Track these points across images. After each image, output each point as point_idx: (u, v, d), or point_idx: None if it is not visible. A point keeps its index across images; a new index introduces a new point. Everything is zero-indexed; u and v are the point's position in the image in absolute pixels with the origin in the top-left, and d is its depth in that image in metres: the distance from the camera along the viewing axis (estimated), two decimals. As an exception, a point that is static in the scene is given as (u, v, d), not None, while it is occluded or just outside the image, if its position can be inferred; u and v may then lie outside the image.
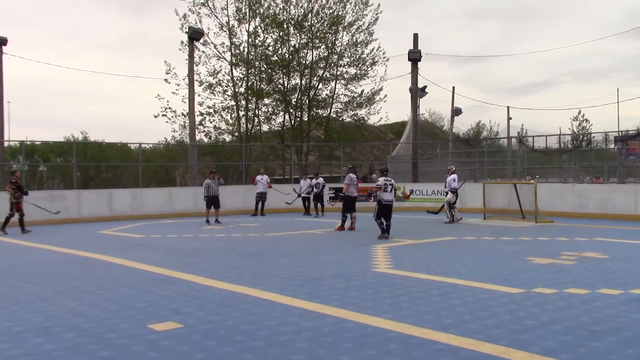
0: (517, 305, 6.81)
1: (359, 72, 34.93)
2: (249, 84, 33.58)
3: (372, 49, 34.65)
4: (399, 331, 5.76)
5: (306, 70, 34.21)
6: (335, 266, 9.80)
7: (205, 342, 5.48)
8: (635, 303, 6.86)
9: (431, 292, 7.55)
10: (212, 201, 18.74)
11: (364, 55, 34.68)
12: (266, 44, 33.65)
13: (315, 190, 21.48)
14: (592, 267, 9.40)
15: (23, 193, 16.52)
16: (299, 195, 21.92)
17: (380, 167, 15.94)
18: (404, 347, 5.26)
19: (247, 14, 33.03)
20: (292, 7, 33.68)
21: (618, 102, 55.09)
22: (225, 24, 32.88)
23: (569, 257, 10.43)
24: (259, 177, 22.38)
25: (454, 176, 17.95)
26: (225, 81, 33.47)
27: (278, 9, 33.46)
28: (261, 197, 22.13)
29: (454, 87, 46.52)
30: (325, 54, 34.41)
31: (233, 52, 33.31)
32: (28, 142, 28.14)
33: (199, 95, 31.08)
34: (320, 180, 21.61)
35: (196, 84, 29.34)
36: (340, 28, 34.01)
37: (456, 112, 45.10)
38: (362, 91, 35.37)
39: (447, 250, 11.74)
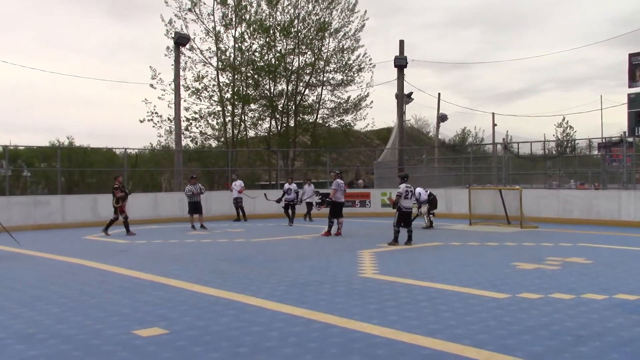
0: (503, 310, 6.83)
1: (345, 78, 35.03)
2: (235, 90, 33.52)
3: (359, 56, 34.79)
4: (386, 336, 5.76)
5: (293, 76, 34.23)
6: (321, 271, 9.78)
7: (190, 348, 5.43)
8: (619, 308, 6.91)
9: (418, 298, 7.56)
10: (195, 207, 18.67)
11: (351, 62, 34.80)
12: (252, 50, 33.64)
13: (287, 196, 20.63)
14: (576, 273, 9.46)
15: (126, 195, 17.26)
16: (301, 201, 21.40)
17: (400, 173, 15.89)
18: (391, 352, 5.25)
19: (234, 19, 33.00)
20: (278, 13, 33.74)
21: (601, 109, 55.78)
22: (212, 30, 32.83)
23: (553, 263, 10.49)
24: (233, 184, 22.25)
25: (419, 190, 17.98)
26: (211, 86, 33.41)
27: (264, 14, 33.48)
28: (237, 203, 21.97)
29: (439, 94, 46.87)
30: (312, 60, 34.46)
31: (219, 57, 33.25)
32: (12, 147, 27.83)
33: (184, 101, 30.99)
34: (294, 186, 20.93)
35: (182, 89, 29.26)
36: (326, 34, 34.09)
37: (442, 118, 45.34)
38: (349, 97, 35.51)
39: (433, 256, 11.76)
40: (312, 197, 22.01)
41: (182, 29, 31.20)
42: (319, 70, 34.74)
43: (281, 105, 34.86)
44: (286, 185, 20.84)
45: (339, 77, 35.08)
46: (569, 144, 36.09)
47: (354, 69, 34.81)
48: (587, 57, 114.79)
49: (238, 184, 22.09)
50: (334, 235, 15.78)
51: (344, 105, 35.41)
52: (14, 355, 5.30)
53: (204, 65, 33.21)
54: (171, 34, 30.13)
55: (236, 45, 33.26)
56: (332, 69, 34.94)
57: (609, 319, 6.39)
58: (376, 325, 6.16)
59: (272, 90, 34.37)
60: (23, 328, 6.26)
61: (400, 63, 27.74)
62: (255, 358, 5.13)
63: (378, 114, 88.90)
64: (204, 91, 33.22)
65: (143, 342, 5.68)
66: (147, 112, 32.83)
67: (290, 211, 20.35)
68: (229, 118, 34.19)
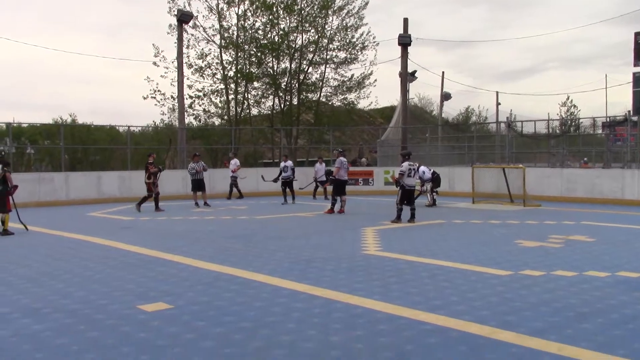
0: (505, 287, 6.85)
1: (348, 56, 34.84)
2: (238, 67, 33.37)
3: (362, 33, 34.58)
4: (389, 312, 5.79)
5: (296, 54, 34.03)
6: (325, 248, 9.81)
7: (194, 323, 5.47)
8: (622, 285, 6.93)
9: (420, 275, 7.58)
10: (198, 184, 18.70)
11: (354, 40, 34.59)
12: (255, 27, 33.41)
13: (283, 174, 20.25)
14: (579, 250, 9.47)
15: (160, 171, 17.56)
16: (315, 180, 21.19)
17: (403, 151, 15.83)
18: (394, 328, 5.29)
19: (237, -4, 32.71)
20: (282, -11, 33.42)
21: (606, 88, 55.28)
22: (215, 7, 32.61)
23: (556, 240, 10.50)
24: (233, 161, 22.06)
25: (423, 168, 17.93)
26: (214, 64, 33.27)
27: (268, -9, 33.17)
28: (232, 180, 21.81)
29: (443, 72, 46.44)
30: (315, 38, 34.24)
31: (222, 35, 33.05)
32: (15, 125, 27.84)
33: (187, 79, 30.92)
34: (289, 163, 20.49)
35: (185, 67, 29.12)
36: (330, 12, 33.84)
37: (445, 97, 45.12)
38: (352, 75, 35.32)
39: (436, 234, 11.78)
40: (324, 177, 21.86)
41: (185, 7, 31.01)
42: (322, 48, 34.54)
43: (284, 83, 34.73)
44: (282, 164, 20.64)
45: (342, 55, 34.93)
46: (573, 123, 35.91)
47: (357, 47, 34.63)
48: (592, 36, 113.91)
49: (233, 162, 21.97)
50: (337, 213, 15.81)
51: (348, 83, 35.27)
52: (20, 329, 5.35)
53: (207, 43, 33.10)
54: (174, 11, 29.94)
55: (239, 23, 33.05)
56: (335, 46, 34.77)
57: (611, 296, 6.41)
58: (379, 301, 6.19)
59: (275, 68, 34.23)
60: (28, 303, 6.31)
61: (405, 41, 27.53)
62: (259, 333, 5.17)
63: (381, 93, 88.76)
64: (207, 69, 33.13)
65: (147, 316, 5.72)
66: (150, 90, 32.75)
67: (288, 189, 20.12)
68: (232, 96, 34.12)
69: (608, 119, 26.20)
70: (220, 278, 7.48)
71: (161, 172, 17.69)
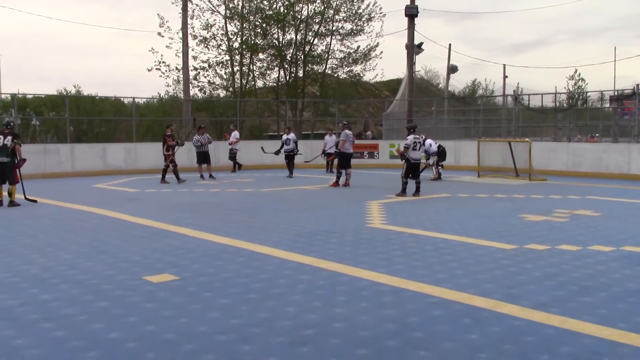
0: (509, 260, 6.88)
1: (354, 27, 34.42)
2: (243, 39, 33.11)
3: (368, 4, 34.07)
4: (393, 285, 5.83)
5: (301, 25, 33.70)
6: (329, 221, 9.84)
7: (201, 294, 5.53)
8: (626, 259, 6.95)
9: (425, 248, 7.62)
10: (203, 157, 18.71)
11: (360, 11, 34.16)
12: (261, -2, 33.04)
13: (285, 147, 19.82)
14: (584, 225, 9.48)
15: (178, 145, 17.50)
16: (323, 152, 20.47)
17: (408, 124, 15.76)
18: (398, 300, 5.33)
19: (242, -34, 32.32)
20: (287, -41, 32.98)
21: (615, 61, 54.77)
22: (220, -23, 32.19)
23: (561, 215, 10.51)
24: (233, 134, 21.82)
25: (429, 141, 17.87)
26: (219, 35, 33.00)
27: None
28: (231, 153, 21.61)
29: (450, 45, 46.03)
30: (321, 9, 33.85)
31: (227, 5, 32.73)
32: (20, 96, 27.76)
33: (192, 50, 30.67)
34: (292, 136, 20.07)
35: (190, 38, 28.93)
36: (336, -18, 33.38)
37: (452, 69, 44.79)
38: (358, 47, 34.97)
39: (441, 207, 11.79)
40: (333, 148, 21.66)
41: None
42: (328, 19, 34.16)
43: (290, 55, 34.45)
44: (284, 136, 20.30)
45: (348, 26, 34.51)
46: (581, 97, 35.63)
47: (363, 18, 34.20)
48: (601, 7, 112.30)
49: (233, 134, 21.83)
50: (342, 186, 15.83)
51: (353, 55, 34.94)
52: (29, 299, 5.41)
53: (212, 13, 32.76)
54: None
55: (244, -7, 32.68)
56: (341, 17, 34.32)
57: (615, 270, 6.44)
58: (383, 274, 6.23)
59: (280, 40, 33.93)
60: (37, 273, 6.38)
61: (411, 12, 27.20)
62: (265, 304, 5.22)
63: (387, 65, 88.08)
64: (212, 40, 32.87)
65: (154, 287, 5.78)
66: (155, 61, 32.58)
67: (290, 162, 19.85)
68: (237, 68, 33.88)
69: (616, 93, 25.99)
70: (226, 250, 7.53)
71: (179, 146, 17.61)
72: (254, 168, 22.69)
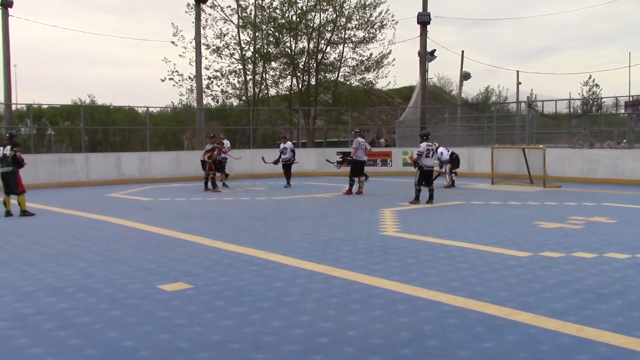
0: (524, 268, 6.84)
1: (367, 35, 34.48)
2: (256, 47, 33.28)
3: (381, 12, 34.16)
4: (407, 293, 5.81)
5: (314, 34, 33.81)
6: (342, 229, 9.83)
7: (214, 303, 5.54)
8: (642, 267, 6.87)
9: (438, 255, 7.59)
10: (217, 165, 18.73)
11: (373, 18, 34.22)
12: (273, 7, 33.24)
13: (282, 156, 19.29)
14: (599, 232, 9.40)
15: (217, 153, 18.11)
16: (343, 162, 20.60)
17: (421, 132, 15.74)
18: (412, 309, 5.31)
19: (255, -25, 32.52)
20: (299, -32, 33.13)
21: (630, 67, 54.47)
22: (233, -14, 32.40)
23: (576, 222, 10.43)
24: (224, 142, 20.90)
25: (442, 149, 17.85)
26: (232, 44, 33.21)
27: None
28: (221, 163, 19.93)
29: (463, 51, 46.13)
30: (333, 17, 33.96)
31: (240, 14, 32.94)
32: (35, 106, 28.05)
33: (205, 59, 30.88)
34: (289, 144, 19.43)
35: (203, 47, 29.09)
36: (348, -10, 33.48)
37: (465, 76, 44.64)
38: (371, 54, 35.00)
39: (455, 215, 11.75)
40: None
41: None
42: (340, 28, 34.24)
43: (302, 63, 34.57)
44: (282, 145, 19.75)
45: (360, 34, 34.57)
46: (595, 103, 35.39)
47: (375, 26, 34.25)
48: (615, 13, 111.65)
49: (225, 143, 20.91)
50: (355, 194, 15.81)
51: (366, 63, 34.98)
52: (44, 307, 5.45)
53: (225, 22, 33.00)
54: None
55: (257, 2, 32.89)
56: (353, 25, 34.40)
57: (631, 277, 6.37)
58: (397, 282, 6.21)
59: (293, 48, 34.06)
60: (52, 282, 6.43)
61: (424, 19, 27.22)
62: (278, 312, 5.22)
63: (400, 72, 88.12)
64: (225, 49, 33.09)
65: (168, 296, 5.80)
66: (168, 71, 32.83)
67: (287, 171, 19.32)
68: (250, 76, 34.05)
69: (631, 98, 25.76)
70: (240, 258, 7.54)
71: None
72: (269, 177, 22.67)
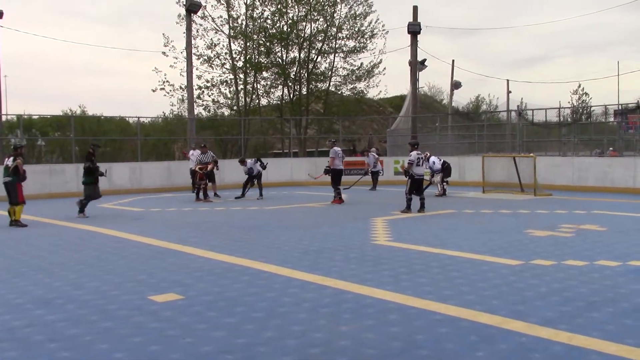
0: (515, 276, 6.85)
1: (357, 45, 34.67)
2: (247, 57, 33.35)
3: (371, 22, 34.39)
4: (399, 302, 5.80)
5: (305, 43, 33.94)
6: (334, 239, 9.83)
7: (206, 313, 5.51)
8: (633, 274, 6.90)
9: (430, 264, 7.59)
10: (207, 175, 18.69)
11: (363, 28, 34.41)
12: (264, 17, 33.35)
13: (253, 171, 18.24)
14: (590, 240, 9.44)
15: (214, 163, 18.34)
16: (366, 173, 21.18)
17: (411, 141, 15.83)
18: (404, 318, 5.30)
19: (245, -14, 32.62)
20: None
21: (618, 75, 55.00)
22: (223, -3, 32.47)
23: (567, 230, 10.47)
24: (191, 152, 20.89)
25: (433, 159, 17.93)
26: (223, 54, 33.26)
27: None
28: (193, 175, 19.86)
29: (453, 61, 46.13)
30: (324, 27, 34.11)
31: (231, 25, 33.02)
32: (25, 116, 27.96)
33: (197, 69, 30.94)
34: (254, 163, 18.33)
35: (194, 57, 29.11)
36: (338, 0, 33.65)
37: (455, 85, 44.82)
38: (361, 64, 35.18)
39: (446, 223, 11.77)
40: (378, 166, 21.72)
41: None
42: (331, 37, 34.41)
43: (293, 73, 34.67)
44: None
45: (351, 43, 34.76)
46: (585, 111, 35.65)
47: (366, 36, 34.47)
48: (604, 23, 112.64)
49: (196, 153, 20.05)
50: (332, 203, 15.82)
51: (357, 72, 35.12)
52: (34, 320, 5.41)
53: (216, 33, 33.07)
54: (183, 1, 29.88)
55: (248, 13, 32.99)
56: (344, 35, 34.59)
57: (622, 285, 6.39)
58: (389, 291, 6.21)
59: (284, 58, 34.17)
60: (42, 293, 6.38)
61: (414, 29, 27.38)
62: (270, 323, 5.20)
63: (391, 82, 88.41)
64: (216, 59, 33.14)
65: (159, 307, 5.77)
66: (159, 81, 32.82)
67: (252, 182, 18.48)
68: (241, 86, 34.11)
69: (620, 107, 25.97)
70: (232, 269, 7.52)
71: (214, 165, 18.15)
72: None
